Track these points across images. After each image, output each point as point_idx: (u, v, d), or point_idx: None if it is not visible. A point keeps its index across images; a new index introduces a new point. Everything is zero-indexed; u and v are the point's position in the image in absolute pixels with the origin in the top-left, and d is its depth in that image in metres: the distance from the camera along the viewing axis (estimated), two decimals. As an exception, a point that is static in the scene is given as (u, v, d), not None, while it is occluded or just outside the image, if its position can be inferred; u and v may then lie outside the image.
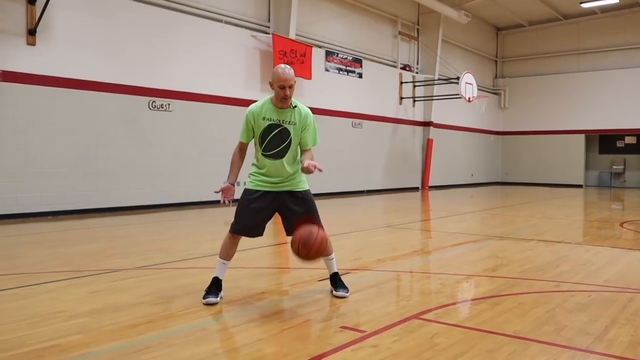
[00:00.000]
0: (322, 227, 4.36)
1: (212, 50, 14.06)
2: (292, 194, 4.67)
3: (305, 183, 4.77)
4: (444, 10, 21.28)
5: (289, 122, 4.61)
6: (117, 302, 4.63)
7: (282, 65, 4.58)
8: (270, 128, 4.60)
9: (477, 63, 26.73)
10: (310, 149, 4.73)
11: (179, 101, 13.27)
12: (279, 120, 4.60)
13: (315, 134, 4.75)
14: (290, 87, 4.51)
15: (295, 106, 4.65)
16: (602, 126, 25.73)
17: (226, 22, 14.45)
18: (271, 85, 4.58)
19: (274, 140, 4.61)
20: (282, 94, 4.51)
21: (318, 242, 4.19)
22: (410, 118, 22.10)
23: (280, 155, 4.62)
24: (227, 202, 4.70)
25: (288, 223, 4.69)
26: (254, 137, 4.69)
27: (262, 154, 4.65)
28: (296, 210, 4.63)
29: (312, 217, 4.56)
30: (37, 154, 10.77)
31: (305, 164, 4.41)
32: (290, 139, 4.62)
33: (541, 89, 27.20)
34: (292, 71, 4.55)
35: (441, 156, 23.63)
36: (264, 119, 4.61)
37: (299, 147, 4.71)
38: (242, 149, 4.77)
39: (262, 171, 4.66)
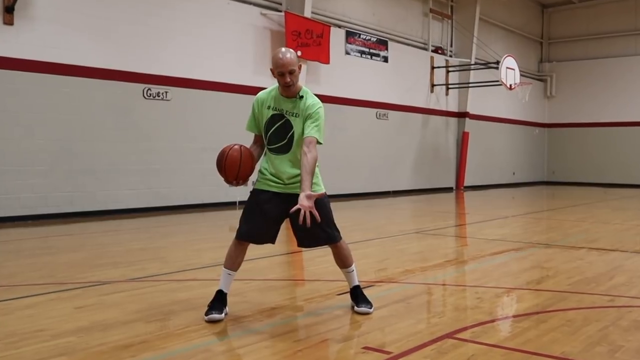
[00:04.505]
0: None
1: (216, 30, 14.08)
2: (303, 197, 4.64)
3: (318, 185, 4.73)
4: (481, -16, 21.24)
5: (292, 113, 4.62)
6: (106, 319, 4.64)
7: (282, 49, 4.60)
8: (273, 119, 4.66)
9: (520, 45, 26.57)
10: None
11: (178, 89, 13.31)
12: (282, 111, 4.65)
13: (320, 128, 4.59)
14: (291, 72, 4.49)
15: (302, 96, 4.64)
16: (665, 117, 25.54)
17: (231, -1, 14.51)
18: (272, 72, 4.60)
19: (278, 132, 4.65)
20: (282, 82, 4.53)
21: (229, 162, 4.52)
22: (443, 108, 22.05)
23: (283, 150, 4.65)
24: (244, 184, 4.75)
25: (298, 232, 4.67)
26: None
27: (267, 147, 4.73)
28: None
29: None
30: (14, 150, 10.83)
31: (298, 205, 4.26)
32: (293, 132, 4.63)
33: (593, 75, 26.96)
34: (292, 54, 4.54)
35: (478, 152, 23.55)
36: (268, 107, 4.67)
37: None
38: (255, 141, 4.86)
39: (269, 169, 4.70)
